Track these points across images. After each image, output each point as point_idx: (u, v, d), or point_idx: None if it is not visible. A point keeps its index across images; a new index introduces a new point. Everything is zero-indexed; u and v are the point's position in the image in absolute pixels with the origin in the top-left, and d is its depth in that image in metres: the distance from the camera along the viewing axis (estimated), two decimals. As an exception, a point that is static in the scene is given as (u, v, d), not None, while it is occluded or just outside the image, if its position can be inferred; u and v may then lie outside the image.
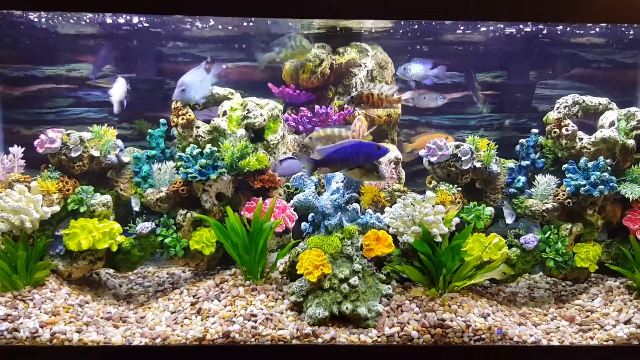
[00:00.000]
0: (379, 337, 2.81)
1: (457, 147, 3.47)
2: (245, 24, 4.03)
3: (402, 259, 3.34)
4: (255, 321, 2.85)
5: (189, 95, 3.24)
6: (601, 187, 3.30)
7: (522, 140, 3.61)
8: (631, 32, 4.10)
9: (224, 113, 3.60)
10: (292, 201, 3.23)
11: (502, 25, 4.00)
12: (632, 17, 2.71)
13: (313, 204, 3.20)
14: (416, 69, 3.91)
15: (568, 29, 4.10)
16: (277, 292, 3.14)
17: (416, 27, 4.08)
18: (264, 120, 3.57)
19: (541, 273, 3.85)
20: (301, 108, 3.96)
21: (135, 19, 3.89)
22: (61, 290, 3.19)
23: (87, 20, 3.91)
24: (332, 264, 3.02)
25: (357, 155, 2.84)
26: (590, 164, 3.35)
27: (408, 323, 2.88)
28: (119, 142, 3.60)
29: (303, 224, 3.37)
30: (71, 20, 3.91)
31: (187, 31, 4.16)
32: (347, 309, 2.88)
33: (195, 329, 2.81)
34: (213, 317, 2.91)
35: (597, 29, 4.12)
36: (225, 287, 3.18)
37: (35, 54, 4.15)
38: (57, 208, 3.30)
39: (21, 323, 2.79)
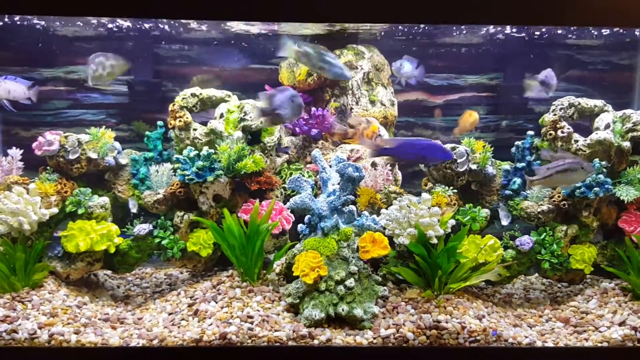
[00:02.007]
0: (374, 338, 2.83)
1: (452, 149, 3.48)
2: (242, 26, 4.05)
3: (398, 260, 3.36)
4: (251, 323, 2.86)
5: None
6: (596, 189, 3.32)
7: (518, 142, 3.62)
8: (626, 33, 4.12)
9: (221, 115, 3.61)
10: (288, 203, 3.25)
11: (499, 28, 4.02)
12: (622, 21, 2.74)
13: (309, 205, 3.22)
14: (407, 67, 3.94)
15: (562, 31, 4.12)
16: (273, 293, 3.16)
17: (413, 29, 4.10)
18: (261, 122, 3.59)
19: (537, 274, 3.87)
20: (298, 110, 3.96)
21: (133, 22, 3.90)
22: (59, 292, 3.20)
23: (86, 23, 3.93)
24: (328, 265, 3.04)
25: (423, 154, 2.89)
26: (585, 166, 3.37)
27: (404, 324, 2.90)
28: (117, 144, 3.62)
29: (299, 225, 3.38)
30: (69, 23, 3.93)
31: (185, 33, 4.18)
32: (343, 310, 2.90)
33: (192, 330, 2.83)
34: (210, 318, 2.92)
35: (593, 31, 4.13)
36: (222, 288, 3.20)
37: (34, 56, 4.16)
38: (55, 210, 3.31)
39: (20, 324, 2.80)
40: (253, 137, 3.65)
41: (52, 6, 2.74)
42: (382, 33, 4.14)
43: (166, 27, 4.05)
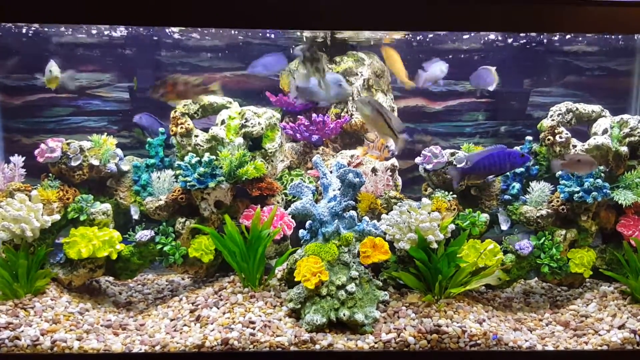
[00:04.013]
0: (375, 343, 2.84)
1: (452, 154, 3.52)
2: (243, 33, 4.08)
3: (398, 265, 3.38)
4: (253, 328, 2.88)
5: None
6: (595, 193, 3.34)
7: (517, 148, 3.65)
8: (623, 39, 4.16)
9: (222, 122, 3.64)
10: (289, 209, 3.26)
11: (497, 35, 4.06)
12: (619, 28, 2.78)
13: (310, 211, 3.24)
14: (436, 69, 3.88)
15: (558, 37, 4.15)
16: (275, 299, 3.17)
17: (413, 36, 4.13)
18: (262, 128, 3.62)
19: (536, 278, 3.89)
20: (298, 116, 4.00)
21: (135, 29, 3.93)
22: (61, 298, 3.21)
23: (87, 30, 3.96)
24: (330, 270, 3.06)
25: (504, 162, 2.88)
26: (583, 171, 3.39)
27: (404, 329, 2.91)
28: (119, 151, 3.64)
29: (301, 231, 3.40)
30: (71, 30, 3.96)
31: (186, 40, 4.21)
32: (344, 315, 2.92)
33: (194, 336, 2.84)
34: (212, 324, 2.94)
35: (591, 37, 4.17)
36: (223, 294, 3.21)
37: (35, 63, 4.18)
38: (57, 217, 3.33)
39: (22, 331, 2.81)
40: (254, 143, 3.67)
41: (55, 15, 2.77)
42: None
43: (168, 32, 4.08)
